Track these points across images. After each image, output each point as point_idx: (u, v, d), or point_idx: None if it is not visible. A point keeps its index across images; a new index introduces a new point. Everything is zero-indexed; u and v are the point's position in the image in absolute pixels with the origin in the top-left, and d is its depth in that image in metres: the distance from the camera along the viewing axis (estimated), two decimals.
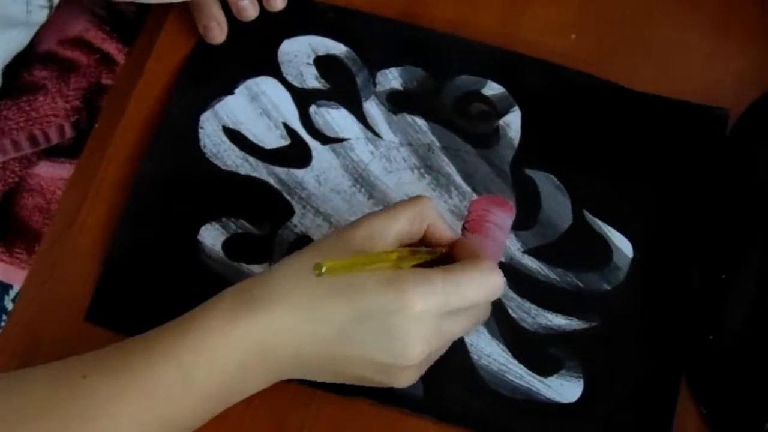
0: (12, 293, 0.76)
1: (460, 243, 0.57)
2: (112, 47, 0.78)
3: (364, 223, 0.54)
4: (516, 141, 0.67)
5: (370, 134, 0.67)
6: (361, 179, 0.65)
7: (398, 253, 0.53)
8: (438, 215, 0.56)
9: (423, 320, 0.51)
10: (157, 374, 0.51)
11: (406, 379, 0.54)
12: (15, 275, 0.76)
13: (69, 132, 0.76)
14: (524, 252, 0.63)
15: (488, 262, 0.54)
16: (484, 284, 0.53)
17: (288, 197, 0.65)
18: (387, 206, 0.56)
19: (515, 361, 0.60)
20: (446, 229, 0.57)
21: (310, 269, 0.48)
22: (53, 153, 0.78)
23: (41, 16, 0.68)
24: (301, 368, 0.54)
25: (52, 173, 0.77)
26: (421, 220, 0.55)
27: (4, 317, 0.75)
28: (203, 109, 0.67)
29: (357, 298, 0.51)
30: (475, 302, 0.53)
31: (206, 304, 0.53)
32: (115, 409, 0.50)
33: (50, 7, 0.67)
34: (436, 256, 0.56)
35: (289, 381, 0.58)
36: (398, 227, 0.54)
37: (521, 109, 0.68)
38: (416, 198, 0.56)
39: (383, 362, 0.52)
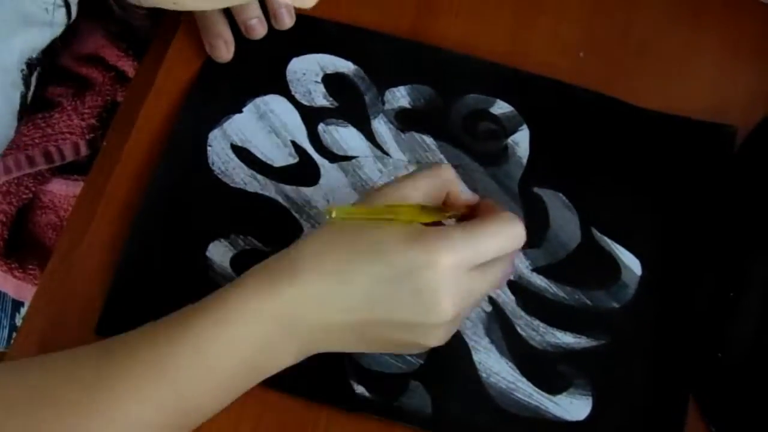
0: (23, 311, 0.76)
1: (482, 204, 0.56)
2: (127, 65, 0.79)
3: (384, 192, 0.54)
4: (524, 159, 0.67)
5: (378, 152, 0.67)
6: None
7: (420, 206, 0.53)
8: (458, 182, 0.55)
9: (451, 276, 0.50)
10: (176, 352, 0.51)
11: (435, 338, 0.53)
12: (28, 292, 0.76)
13: (84, 150, 0.77)
14: (533, 270, 0.63)
15: (508, 213, 0.53)
16: (505, 234, 0.52)
17: (296, 215, 0.65)
18: (406, 175, 0.55)
19: (524, 379, 0.60)
20: (465, 193, 0.56)
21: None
22: (67, 170, 0.78)
23: (59, 15, 0.68)
24: (329, 340, 0.54)
25: (65, 191, 0.77)
26: (441, 189, 0.55)
27: (15, 335, 0.76)
28: (212, 127, 0.67)
29: (382, 257, 0.50)
30: (499, 253, 0.52)
31: (230, 283, 0.53)
32: (135, 380, 0.51)
33: (66, 6, 0.66)
34: (457, 216, 0.56)
35: (297, 398, 0.58)
36: (418, 197, 0.53)
37: (530, 127, 0.68)
38: (437, 167, 0.55)
39: (413, 322, 0.51)
